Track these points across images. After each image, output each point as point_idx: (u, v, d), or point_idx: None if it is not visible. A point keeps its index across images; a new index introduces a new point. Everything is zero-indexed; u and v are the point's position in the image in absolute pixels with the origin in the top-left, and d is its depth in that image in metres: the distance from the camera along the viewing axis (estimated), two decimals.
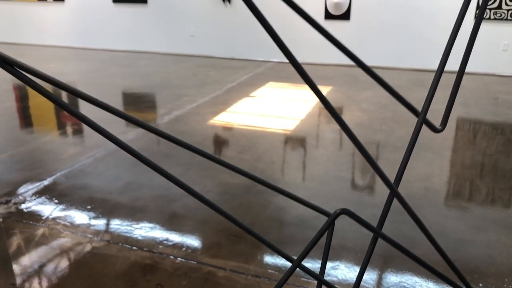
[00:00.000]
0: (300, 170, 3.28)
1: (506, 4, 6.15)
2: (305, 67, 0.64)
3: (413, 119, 4.13)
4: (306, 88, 5.66)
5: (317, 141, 3.89)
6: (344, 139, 3.91)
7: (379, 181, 3.05)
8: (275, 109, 4.75)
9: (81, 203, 2.70)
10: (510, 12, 6.17)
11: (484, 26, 6.33)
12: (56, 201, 2.73)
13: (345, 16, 6.97)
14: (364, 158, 0.75)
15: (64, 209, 2.63)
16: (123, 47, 8.45)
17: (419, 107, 0.94)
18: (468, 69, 6.60)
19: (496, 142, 3.81)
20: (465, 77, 6.46)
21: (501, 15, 6.22)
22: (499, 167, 3.29)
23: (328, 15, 7.04)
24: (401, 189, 2.89)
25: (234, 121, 4.36)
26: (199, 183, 2.98)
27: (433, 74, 0.91)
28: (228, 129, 4.17)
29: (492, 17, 6.26)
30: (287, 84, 5.95)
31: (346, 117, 4.66)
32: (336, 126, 4.20)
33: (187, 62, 7.43)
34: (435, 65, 6.70)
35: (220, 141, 3.89)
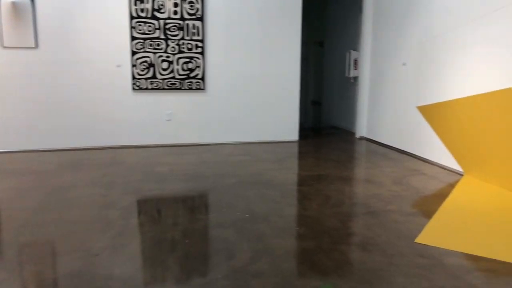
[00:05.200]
0: None
1: (161, 74, 5.97)
2: None
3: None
4: None
5: None
6: None
7: None
8: None
9: None
10: (165, 81, 6.00)
11: (147, 97, 5.97)
12: None
13: None
14: None
15: None
16: None
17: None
18: (133, 142, 6.07)
19: (116, 230, 2.95)
20: (124, 151, 5.88)
21: (157, 84, 5.99)
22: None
23: None
24: None
25: None
26: None
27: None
28: None
29: (150, 87, 5.97)
30: None
31: None
32: None
33: None
34: (100, 142, 5.90)
35: None
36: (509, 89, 3.72)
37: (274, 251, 2.59)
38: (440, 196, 3.78)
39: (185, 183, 4.20)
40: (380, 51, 6.45)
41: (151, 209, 3.40)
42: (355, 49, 7.36)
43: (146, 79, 5.93)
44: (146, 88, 5.95)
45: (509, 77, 3.89)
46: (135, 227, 3.00)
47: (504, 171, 3.92)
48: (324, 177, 4.44)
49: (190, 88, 6.11)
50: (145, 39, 5.85)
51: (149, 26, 5.83)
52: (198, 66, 6.08)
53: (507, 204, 3.54)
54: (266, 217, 3.20)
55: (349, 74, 7.48)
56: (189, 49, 6.01)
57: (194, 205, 3.52)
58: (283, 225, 3.04)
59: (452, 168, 4.76)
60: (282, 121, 6.58)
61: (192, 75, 6.08)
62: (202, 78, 6.13)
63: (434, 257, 2.50)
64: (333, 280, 2.23)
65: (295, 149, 6.10)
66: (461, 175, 4.55)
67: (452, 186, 4.12)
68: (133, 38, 5.81)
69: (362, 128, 7.05)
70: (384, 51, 6.30)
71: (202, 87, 6.15)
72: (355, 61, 7.23)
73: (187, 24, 5.94)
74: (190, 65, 6.04)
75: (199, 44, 6.03)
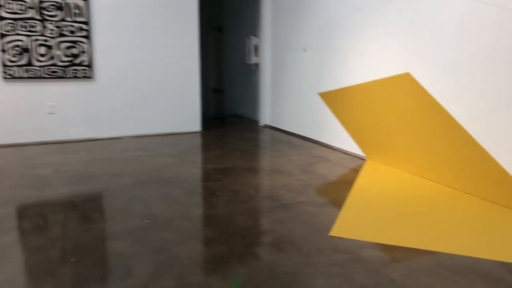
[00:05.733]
0: None
1: (38, 61, 5.15)
2: None
3: None
4: None
5: None
6: None
7: None
8: None
9: None
10: (44, 68, 5.20)
11: (22, 87, 5.12)
12: None
13: None
14: None
15: None
16: None
17: None
18: (6, 141, 5.16)
19: None
20: (4, 151, 5.05)
21: (34, 72, 5.16)
22: None
23: None
24: None
25: None
26: None
27: None
28: None
29: (25, 75, 5.12)
30: None
31: None
32: None
33: None
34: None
35: None
36: (406, 73, 3.79)
37: (179, 263, 2.24)
38: (347, 182, 3.75)
39: (71, 186, 3.62)
40: (280, 37, 6.35)
41: (28, 222, 2.82)
42: (255, 35, 7.19)
43: (19, 66, 5.07)
44: (21, 77, 5.10)
45: (407, 62, 3.97)
46: (3, 249, 2.42)
47: (404, 155, 4.02)
48: (231, 170, 4.17)
49: (76, 77, 5.38)
50: (16, 19, 4.98)
51: (20, 4, 4.97)
52: (84, 52, 5.37)
53: (409, 187, 3.62)
54: (169, 221, 2.83)
55: (249, 60, 7.29)
56: (72, 32, 5.27)
57: (82, 213, 3.01)
58: (189, 229, 2.71)
59: (354, 153, 4.82)
60: (182, 110, 6.17)
61: (77, 61, 5.35)
62: (89, 65, 5.43)
63: (351, 251, 2.37)
64: None
65: (197, 140, 5.75)
66: (364, 160, 4.62)
67: (356, 171, 4.14)
68: (0, 18, 4.91)
69: (266, 116, 6.94)
70: (285, 37, 6.20)
71: (89, 75, 5.46)
72: (256, 47, 7.06)
73: (68, 3, 5.19)
74: (74, 51, 5.31)
75: (84, 26, 5.32)
